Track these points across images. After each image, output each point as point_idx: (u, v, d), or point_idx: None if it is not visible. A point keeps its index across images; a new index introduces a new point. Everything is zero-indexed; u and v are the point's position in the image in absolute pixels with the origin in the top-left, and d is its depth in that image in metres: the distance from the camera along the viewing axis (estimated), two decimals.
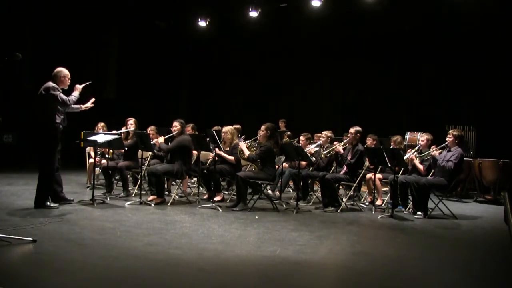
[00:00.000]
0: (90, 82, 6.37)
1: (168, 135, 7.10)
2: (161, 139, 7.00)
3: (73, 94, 6.03)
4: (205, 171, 7.22)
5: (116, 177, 7.92)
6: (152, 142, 7.00)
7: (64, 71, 5.98)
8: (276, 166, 6.86)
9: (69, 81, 6.02)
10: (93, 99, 6.29)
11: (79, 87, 6.14)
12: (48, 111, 5.77)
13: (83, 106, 6.23)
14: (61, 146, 5.96)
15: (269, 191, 7.63)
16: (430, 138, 6.99)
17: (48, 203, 5.88)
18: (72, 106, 6.04)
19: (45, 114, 5.77)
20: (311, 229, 5.49)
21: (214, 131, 7.77)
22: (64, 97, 5.84)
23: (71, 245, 4.29)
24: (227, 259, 4.09)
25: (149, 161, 7.62)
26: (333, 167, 7.40)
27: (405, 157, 6.78)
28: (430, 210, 6.49)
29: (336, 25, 11.51)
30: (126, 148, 7.24)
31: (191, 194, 7.85)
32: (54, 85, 5.82)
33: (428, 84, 11.08)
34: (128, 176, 7.61)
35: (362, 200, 7.72)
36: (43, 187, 5.86)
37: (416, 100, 11.12)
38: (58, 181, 6.11)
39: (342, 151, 7.09)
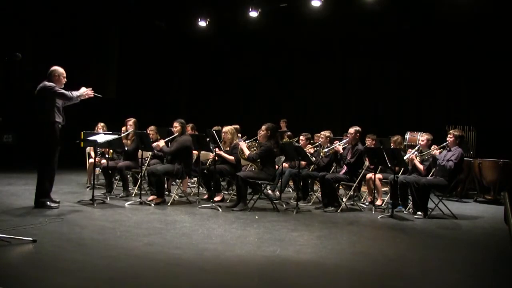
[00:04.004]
0: (101, 96, 6.18)
1: (169, 138, 7.07)
2: (161, 143, 6.92)
3: (80, 90, 5.95)
4: (205, 171, 7.22)
5: (116, 177, 7.93)
6: (153, 146, 6.98)
7: (59, 69, 5.96)
8: (276, 166, 6.86)
9: (65, 80, 5.99)
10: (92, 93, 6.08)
11: (84, 89, 6.00)
12: (46, 110, 5.75)
13: (84, 93, 5.99)
14: (61, 145, 5.94)
15: (269, 191, 7.63)
16: (430, 138, 6.99)
17: (49, 203, 5.87)
18: (72, 95, 5.92)
19: (43, 113, 5.76)
20: (311, 229, 5.49)
21: (214, 131, 7.77)
22: (63, 90, 5.82)
23: (71, 245, 4.29)
24: (227, 259, 4.09)
25: (149, 161, 7.62)
26: (333, 167, 7.40)
27: (405, 157, 6.78)
28: (430, 210, 6.49)
29: (336, 25, 11.51)
30: (126, 148, 7.25)
31: (191, 194, 7.85)
32: (50, 83, 5.82)
33: (428, 84, 11.08)
34: (128, 176, 7.61)
35: (362, 200, 7.72)
36: (43, 187, 5.84)
37: (416, 100, 11.12)
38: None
39: (341, 150, 7.10)
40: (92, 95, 6.10)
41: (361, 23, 11.18)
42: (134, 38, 12.90)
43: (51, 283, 3.37)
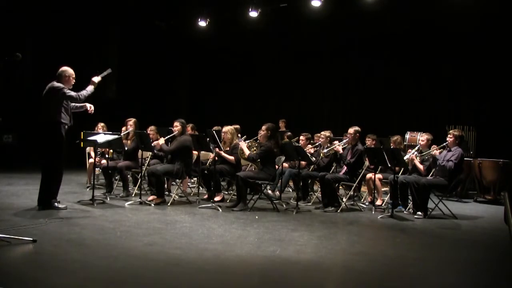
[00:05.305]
0: (110, 71, 6.19)
1: (169, 136, 7.10)
2: (161, 141, 6.97)
3: (86, 89, 5.94)
4: (205, 171, 7.22)
5: (116, 177, 7.93)
6: (152, 144, 6.99)
7: (69, 70, 5.95)
8: (276, 166, 6.86)
9: (74, 81, 6.00)
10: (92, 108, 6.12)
11: (95, 81, 6.04)
12: (52, 111, 5.74)
13: (88, 106, 6.04)
14: (66, 146, 5.93)
15: (269, 191, 7.63)
16: (430, 138, 6.99)
17: (56, 204, 5.85)
18: (77, 105, 5.97)
19: (50, 114, 5.75)
20: (311, 229, 5.49)
21: (214, 131, 7.77)
22: (73, 93, 5.81)
23: (71, 245, 4.29)
24: (227, 259, 4.09)
25: (149, 161, 7.62)
26: (333, 167, 7.40)
27: (405, 157, 6.78)
28: (430, 210, 6.49)
29: (336, 25, 11.51)
30: (126, 148, 7.25)
31: (191, 194, 7.85)
32: (59, 84, 5.81)
33: (428, 84, 11.08)
34: (128, 176, 7.61)
35: (362, 200, 7.72)
36: (50, 187, 5.80)
37: (416, 100, 11.12)
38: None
39: (341, 151, 7.10)
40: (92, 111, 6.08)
41: (361, 23, 11.17)
42: (134, 38, 12.90)
43: (51, 283, 3.37)
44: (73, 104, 5.96)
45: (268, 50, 13.03)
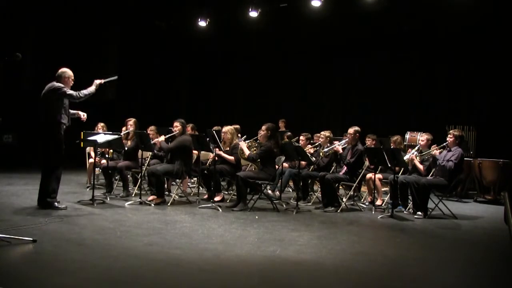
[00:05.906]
0: (116, 77, 6.27)
1: (169, 135, 7.11)
2: (161, 138, 7.03)
3: (88, 89, 5.96)
4: (205, 171, 7.22)
5: (116, 177, 7.93)
6: (152, 142, 7.00)
7: (68, 71, 5.98)
8: (276, 166, 6.86)
9: (73, 82, 6.02)
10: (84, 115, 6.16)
11: (97, 82, 6.08)
12: (52, 111, 5.76)
13: (81, 114, 6.11)
14: (64, 145, 5.94)
15: (269, 191, 7.63)
16: (430, 138, 6.99)
17: (56, 204, 5.85)
18: (71, 111, 6.01)
19: (49, 114, 5.76)
20: (311, 229, 5.49)
21: (214, 131, 7.77)
22: (72, 91, 5.83)
23: (71, 245, 4.29)
24: (227, 259, 4.09)
25: (149, 161, 7.62)
26: (333, 167, 7.40)
27: (405, 157, 6.78)
28: (430, 210, 6.49)
29: (336, 25, 11.50)
30: (126, 148, 7.25)
31: (191, 194, 7.85)
32: (59, 84, 5.82)
33: (428, 84, 11.07)
34: (128, 176, 7.62)
35: (362, 200, 7.72)
36: (49, 187, 5.81)
37: (416, 100, 11.11)
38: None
39: (341, 151, 7.10)
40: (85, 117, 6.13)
41: (361, 23, 11.17)
42: (134, 38, 12.90)
43: (51, 283, 3.37)
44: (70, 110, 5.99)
45: (268, 50, 13.02)
